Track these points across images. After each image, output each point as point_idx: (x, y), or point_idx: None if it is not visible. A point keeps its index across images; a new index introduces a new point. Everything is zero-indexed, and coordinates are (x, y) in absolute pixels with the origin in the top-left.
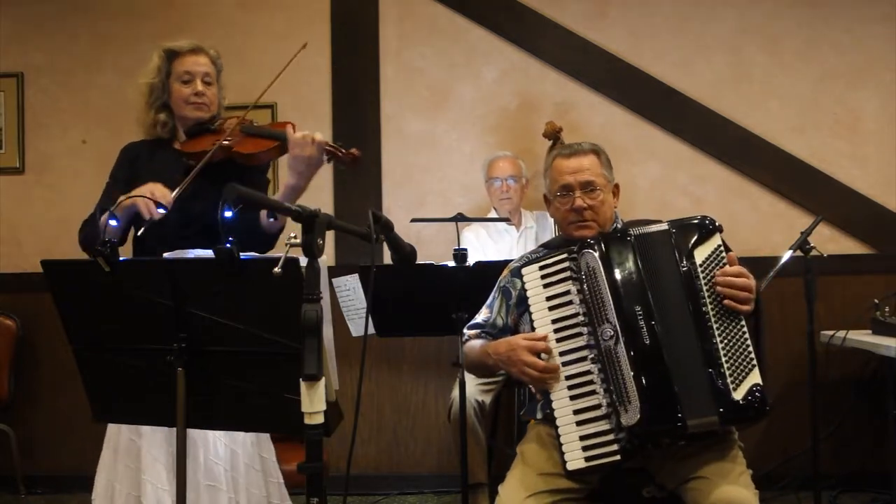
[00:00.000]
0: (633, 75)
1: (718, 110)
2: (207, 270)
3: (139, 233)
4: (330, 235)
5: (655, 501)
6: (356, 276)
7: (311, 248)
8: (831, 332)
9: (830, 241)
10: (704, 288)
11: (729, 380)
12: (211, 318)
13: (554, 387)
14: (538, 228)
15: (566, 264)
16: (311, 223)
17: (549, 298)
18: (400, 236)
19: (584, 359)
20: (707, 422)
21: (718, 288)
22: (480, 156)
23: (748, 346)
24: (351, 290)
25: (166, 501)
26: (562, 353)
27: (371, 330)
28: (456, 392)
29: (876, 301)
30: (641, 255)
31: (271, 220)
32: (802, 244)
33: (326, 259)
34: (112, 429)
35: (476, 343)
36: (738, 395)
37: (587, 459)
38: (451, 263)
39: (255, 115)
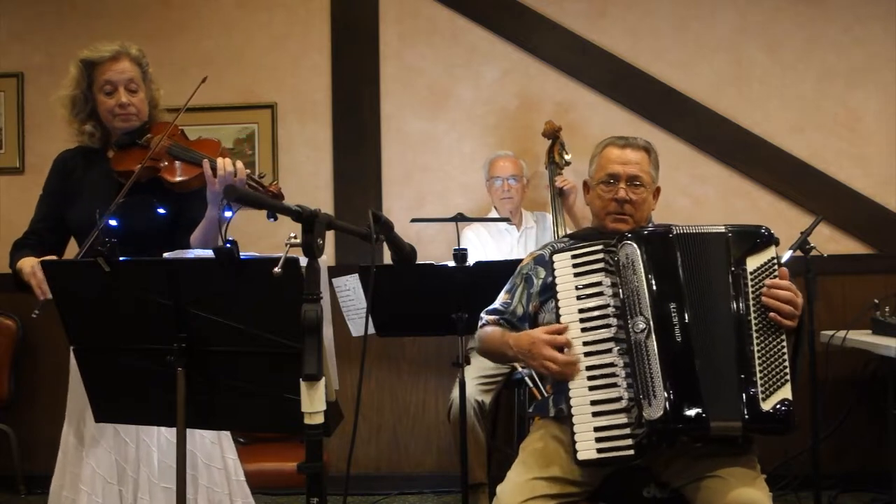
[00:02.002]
0: (632, 75)
1: (718, 110)
2: (207, 270)
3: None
4: (330, 235)
5: (656, 502)
6: (356, 276)
7: (311, 248)
8: (831, 332)
9: (830, 241)
10: (751, 296)
11: (760, 389)
12: (211, 318)
13: (574, 378)
14: (538, 229)
15: (601, 255)
16: (311, 223)
17: (578, 288)
18: (400, 236)
19: (608, 351)
20: (730, 426)
21: (764, 299)
22: (480, 156)
23: (784, 360)
24: (351, 290)
25: None
26: (585, 344)
27: (371, 330)
28: (456, 392)
29: (876, 301)
30: (688, 254)
31: (271, 220)
32: (802, 244)
33: (326, 259)
34: (63, 433)
35: (496, 330)
36: (767, 406)
37: (599, 451)
38: (451, 263)
39: (255, 115)
